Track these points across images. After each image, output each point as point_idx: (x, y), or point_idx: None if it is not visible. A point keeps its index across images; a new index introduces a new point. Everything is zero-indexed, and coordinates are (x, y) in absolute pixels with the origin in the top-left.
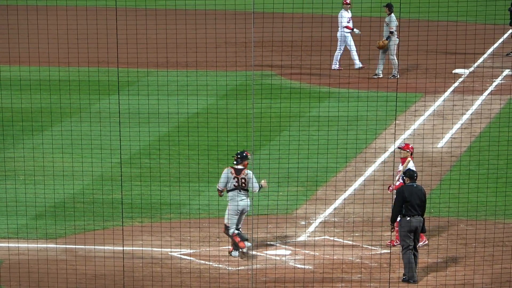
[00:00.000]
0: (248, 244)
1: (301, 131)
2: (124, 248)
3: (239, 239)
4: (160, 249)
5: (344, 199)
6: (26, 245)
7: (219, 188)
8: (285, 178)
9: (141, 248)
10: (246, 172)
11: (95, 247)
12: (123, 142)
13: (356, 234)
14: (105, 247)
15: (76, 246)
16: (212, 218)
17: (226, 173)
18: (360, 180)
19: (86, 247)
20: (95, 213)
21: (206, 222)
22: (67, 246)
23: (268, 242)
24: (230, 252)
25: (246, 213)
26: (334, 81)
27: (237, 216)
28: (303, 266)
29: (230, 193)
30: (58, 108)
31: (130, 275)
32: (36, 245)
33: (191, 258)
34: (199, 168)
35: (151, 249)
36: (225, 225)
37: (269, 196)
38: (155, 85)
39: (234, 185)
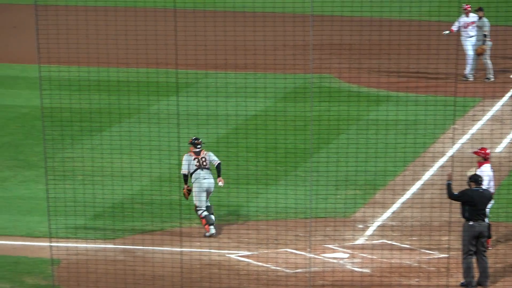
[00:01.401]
0: (212, 230)
1: (359, 135)
2: (182, 249)
3: (205, 222)
4: (218, 251)
5: (402, 203)
6: (85, 245)
7: (184, 173)
8: (343, 181)
9: (199, 250)
10: (205, 152)
11: (153, 248)
12: (181, 144)
13: (414, 238)
14: (163, 248)
15: (134, 247)
16: (270, 220)
17: (186, 157)
18: (418, 184)
19: (144, 248)
20: (153, 214)
21: (264, 224)
22: (125, 246)
23: (326, 245)
24: (205, 234)
25: (212, 192)
26: (393, 84)
27: (204, 195)
28: (360, 270)
29: (193, 175)
30: (116, 108)
31: (188, 277)
32: (94, 245)
33: (249, 260)
34: (257, 170)
35: (209, 250)
36: (195, 205)
37: (327, 199)
38: (213, 87)
39: (196, 165)
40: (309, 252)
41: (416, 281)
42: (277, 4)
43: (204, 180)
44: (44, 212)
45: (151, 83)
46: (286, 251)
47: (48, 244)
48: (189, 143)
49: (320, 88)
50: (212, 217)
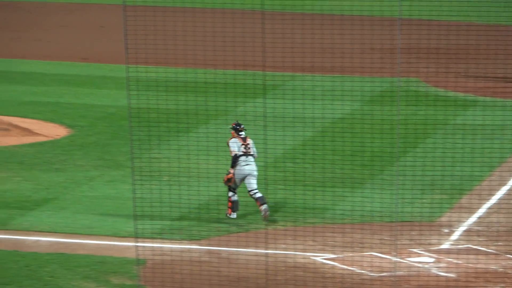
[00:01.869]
0: (234, 215)
1: (446, 139)
2: (267, 251)
3: (230, 206)
4: (303, 253)
5: (488, 207)
6: (170, 245)
7: (237, 153)
8: (429, 185)
9: (284, 252)
10: (249, 140)
11: (238, 249)
12: (268, 146)
13: (500, 243)
14: (248, 250)
15: (220, 248)
16: (356, 224)
17: (234, 140)
18: (505, 189)
19: (229, 249)
20: (238, 215)
21: (349, 227)
22: (210, 247)
23: (411, 249)
24: (228, 215)
25: (255, 176)
26: (480, 89)
27: (241, 181)
28: (446, 274)
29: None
30: (203, 110)
31: (273, 279)
32: (179, 246)
33: (334, 263)
34: (343, 173)
35: (294, 253)
36: (248, 190)
37: (413, 203)
38: (300, 89)
39: (243, 151)
40: (395, 256)
41: (502, 287)
42: (365, 7)
43: (246, 166)
44: (130, 212)
45: (238, 84)
46: (371, 254)
47: (134, 244)
48: (231, 127)
49: (407, 91)
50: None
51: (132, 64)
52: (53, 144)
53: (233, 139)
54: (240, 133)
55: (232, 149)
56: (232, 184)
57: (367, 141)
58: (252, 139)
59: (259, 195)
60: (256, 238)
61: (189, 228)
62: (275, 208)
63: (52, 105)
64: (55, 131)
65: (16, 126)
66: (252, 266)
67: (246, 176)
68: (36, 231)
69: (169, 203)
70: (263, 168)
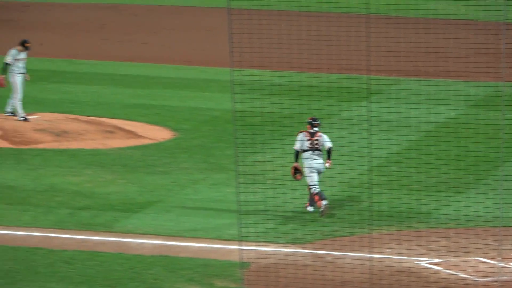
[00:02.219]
0: (324, 202)
1: None
2: (371, 255)
3: (318, 198)
4: (407, 258)
5: None
6: (274, 249)
7: (296, 148)
8: None
9: (388, 256)
10: (319, 135)
11: (343, 253)
12: (372, 150)
13: None
14: (353, 254)
15: (324, 252)
16: (460, 228)
17: (301, 135)
18: None
19: (333, 253)
20: (343, 219)
21: (453, 232)
22: (314, 251)
23: None
24: (306, 207)
25: (322, 172)
26: None
27: (315, 174)
28: None
29: (304, 155)
30: (308, 113)
31: (377, 283)
32: (283, 249)
33: (438, 268)
34: (448, 178)
35: (398, 257)
36: (308, 184)
37: None
38: (404, 93)
39: (308, 146)
40: (499, 261)
41: None
42: (470, 12)
43: (314, 161)
44: (234, 215)
45: (343, 88)
46: (476, 259)
47: (237, 247)
48: (306, 121)
49: None
50: (323, 193)
51: (237, 67)
52: (158, 147)
53: (301, 134)
54: (314, 128)
55: (296, 143)
56: (309, 181)
57: (472, 146)
58: (355, 141)
59: (318, 190)
60: (361, 242)
61: (294, 231)
62: (380, 212)
63: (156, 108)
64: (159, 134)
65: (121, 129)
66: (356, 270)
67: (315, 170)
68: (140, 234)
69: (273, 206)
70: (367, 172)
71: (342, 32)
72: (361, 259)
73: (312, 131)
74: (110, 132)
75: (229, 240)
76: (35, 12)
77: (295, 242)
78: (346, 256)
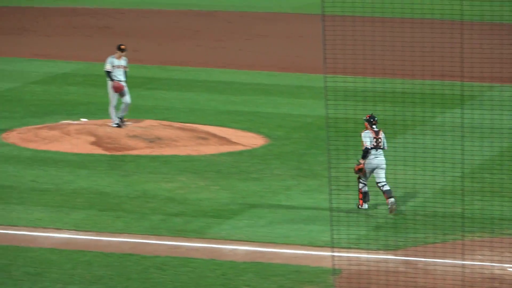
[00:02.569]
0: (365, 206)
1: None
2: (463, 262)
3: (361, 197)
4: (499, 265)
5: None
6: (366, 255)
7: (368, 146)
8: None
9: (480, 263)
10: (381, 133)
11: (435, 260)
12: (465, 156)
13: None
14: (445, 261)
15: (416, 259)
16: None
17: (366, 133)
18: None
19: (425, 259)
20: (435, 226)
21: None
22: (406, 258)
23: None
24: (359, 206)
25: (384, 168)
26: None
27: (371, 173)
28: None
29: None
30: (401, 120)
31: None
32: (375, 256)
33: None
34: None
35: (490, 264)
36: (359, 177)
37: None
38: (498, 100)
39: (374, 144)
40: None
41: None
42: None
43: (375, 159)
44: (327, 221)
45: (436, 95)
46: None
47: (330, 253)
48: (364, 119)
49: None
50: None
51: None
52: (251, 153)
53: (366, 132)
54: (373, 126)
55: (364, 141)
56: (362, 175)
57: None
58: (448, 148)
59: (387, 188)
60: (453, 248)
61: (385, 238)
62: (472, 219)
63: (250, 115)
64: (252, 140)
65: (214, 135)
66: (448, 277)
67: (375, 169)
68: (233, 240)
69: (365, 212)
70: (460, 179)
71: (436, 38)
72: (453, 266)
73: (375, 129)
74: (203, 138)
75: (321, 246)
76: (130, 18)
77: (387, 249)
78: (438, 263)
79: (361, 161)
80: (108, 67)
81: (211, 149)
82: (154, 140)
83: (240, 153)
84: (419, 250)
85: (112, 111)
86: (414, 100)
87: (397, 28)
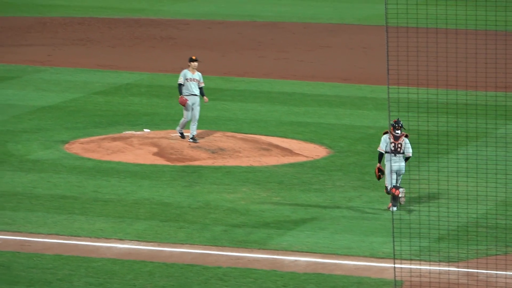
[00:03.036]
0: (401, 189)
1: None
2: None
3: (394, 189)
4: None
5: None
6: (428, 267)
7: (380, 150)
8: None
9: None
10: (403, 139)
11: (496, 272)
12: None
13: None
14: (507, 273)
15: (478, 271)
16: None
17: (385, 137)
18: None
19: (487, 271)
20: (497, 238)
21: None
22: (468, 270)
23: None
24: (388, 208)
25: (402, 174)
26: None
27: (393, 176)
28: None
29: (386, 156)
30: (464, 131)
31: None
32: (437, 268)
33: None
34: None
35: None
36: (385, 186)
37: None
38: None
39: (391, 149)
40: (403, 195)
41: None
42: None
43: (395, 164)
44: (388, 233)
45: (499, 106)
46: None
47: (391, 265)
48: (391, 123)
49: None
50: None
51: (393, 85)
52: (313, 164)
53: (385, 136)
54: (397, 131)
55: (380, 145)
56: (387, 184)
57: None
58: (510, 160)
59: (401, 195)
60: None
61: (448, 250)
62: None
63: (312, 126)
64: (315, 151)
65: (277, 146)
66: None
67: (395, 172)
68: (294, 251)
69: (427, 224)
70: None
71: (500, 50)
72: None
73: (396, 134)
74: (266, 149)
75: (383, 258)
76: (194, 29)
77: (449, 261)
78: (499, 275)
79: (378, 164)
80: (180, 79)
81: (273, 160)
82: (217, 151)
83: (302, 164)
84: (481, 262)
85: (183, 122)
86: (477, 111)
87: (460, 39)
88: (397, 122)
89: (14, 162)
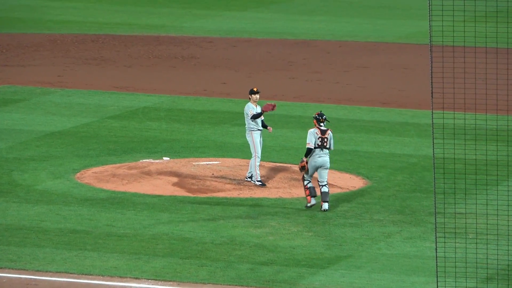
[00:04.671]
0: (313, 201)
1: None
2: None
3: (308, 193)
4: None
5: None
6: None
7: (310, 147)
8: None
9: None
10: (329, 133)
11: None
12: None
13: None
14: None
15: None
16: None
17: (313, 131)
18: None
19: None
20: None
21: None
22: None
23: None
24: (307, 205)
25: (327, 168)
26: None
27: (313, 170)
28: None
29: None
30: None
31: None
32: None
33: None
34: None
35: None
36: (303, 176)
37: None
38: None
39: (318, 144)
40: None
41: None
42: None
43: (319, 158)
44: (431, 272)
45: None
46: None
47: None
48: (313, 116)
49: None
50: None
51: (438, 109)
52: (348, 196)
53: (312, 130)
54: (321, 124)
55: (308, 140)
56: (306, 173)
57: None
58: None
59: (325, 190)
60: None
61: None
62: None
63: (348, 154)
64: (350, 182)
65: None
66: None
67: (318, 167)
68: None
69: (475, 263)
70: None
71: None
72: None
73: (322, 128)
74: (297, 180)
75: None
76: (218, 48)
77: None
78: None
79: (304, 159)
80: (252, 112)
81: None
82: (243, 181)
83: (336, 196)
84: None
85: (255, 165)
86: None
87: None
88: (320, 114)
89: (20, 192)
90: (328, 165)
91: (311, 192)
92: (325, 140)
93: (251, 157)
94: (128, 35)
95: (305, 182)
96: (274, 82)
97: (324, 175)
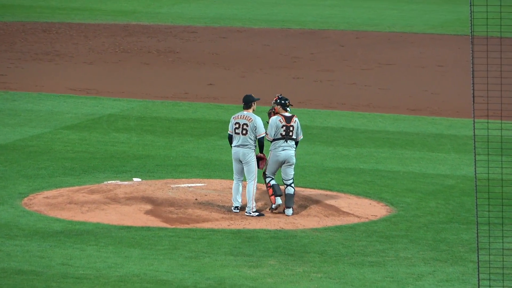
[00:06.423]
0: (278, 201)
1: None
2: None
3: (272, 192)
4: None
5: None
6: None
7: (269, 139)
8: None
9: None
10: (295, 120)
11: None
12: None
13: None
14: None
15: None
16: None
17: (275, 119)
18: None
19: None
20: None
21: None
22: None
23: None
24: (271, 207)
25: (293, 164)
26: None
27: (277, 166)
28: None
29: (273, 143)
30: None
31: None
32: None
33: None
34: None
35: None
36: (263, 173)
37: None
38: None
39: (281, 134)
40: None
41: None
42: None
43: (282, 152)
44: None
45: None
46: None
47: None
48: (274, 102)
49: None
50: (279, 189)
51: (481, 117)
52: (368, 227)
53: (274, 118)
54: (287, 108)
55: (268, 131)
56: (267, 170)
57: None
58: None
59: (290, 191)
60: None
61: None
62: None
63: (367, 174)
64: (370, 209)
65: (317, 202)
66: None
67: (282, 163)
68: None
69: None
70: None
71: None
72: None
73: (287, 114)
74: (303, 206)
75: None
76: (204, 40)
77: None
78: None
79: (261, 154)
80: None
81: (313, 221)
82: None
83: (353, 227)
84: None
85: (253, 191)
86: None
87: None
88: (283, 98)
89: None
90: (293, 160)
91: (275, 191)
92: (291, 129)
93: (247, 181)
94: (89, 24)
95: (267, 180)
96: (274, 83)
97: (290, 172)
